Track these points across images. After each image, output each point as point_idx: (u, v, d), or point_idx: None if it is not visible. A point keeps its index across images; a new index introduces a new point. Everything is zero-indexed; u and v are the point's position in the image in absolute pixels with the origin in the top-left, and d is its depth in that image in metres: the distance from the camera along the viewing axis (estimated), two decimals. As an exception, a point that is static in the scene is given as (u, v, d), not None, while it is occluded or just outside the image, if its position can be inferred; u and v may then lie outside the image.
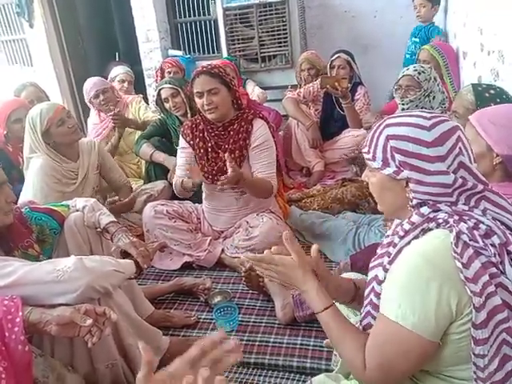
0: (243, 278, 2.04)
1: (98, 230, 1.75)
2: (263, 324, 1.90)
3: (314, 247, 1.16)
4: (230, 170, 2.04)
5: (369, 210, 2.63)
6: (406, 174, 0.95)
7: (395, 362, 0.93)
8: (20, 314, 1.19)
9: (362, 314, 1.08)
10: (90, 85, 3.22)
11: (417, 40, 3.71)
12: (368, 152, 1.02)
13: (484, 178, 0.97)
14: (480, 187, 0.94)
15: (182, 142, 2.41)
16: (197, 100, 2.22)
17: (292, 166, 3.49)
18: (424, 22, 3.66)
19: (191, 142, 2.35)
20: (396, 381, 0.96)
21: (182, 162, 2.40)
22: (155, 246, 1.75)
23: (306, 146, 3.33)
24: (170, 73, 3.70)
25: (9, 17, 5.38)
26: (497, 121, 0.95)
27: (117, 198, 2.75)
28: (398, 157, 0.95)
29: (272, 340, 1.80)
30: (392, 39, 4.40)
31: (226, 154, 2.09)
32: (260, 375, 1.65)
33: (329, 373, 1.29)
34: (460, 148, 0.94)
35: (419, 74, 2.44)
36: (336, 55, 3.30)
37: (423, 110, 1.01)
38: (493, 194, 0.95)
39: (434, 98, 2.45)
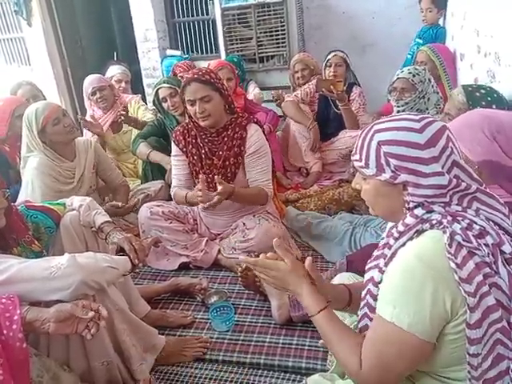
0: (239, 278, 2.04)
1: (93, 229, 1.75)
2: (259, 324, 1.91)
3: (308, 262, 1.12)
4: (219, 188, 2.01)
5: (365, 211, 2.63)
6: (403, 177, 0.95)
7: (391, 363, 0.93)
8: (18, 311, 1.20)
9: (359, 316, 1.08)
10: (88, 82, 3.25)
11: (420, 41, 3.71)
12: (359, 159, 1.01)
13: (477, 176, 0.98)
14: (473, 187, 0.94)
15: (174, 150, 2.35)
16: (189, 107, 2.16)
17: (289, 166, 3.48)
18: (429, 25, 3.69)
19: (184, 149, 2.31)
20: (392, 381, 0.96)
21: (177, 171, 2.35)
22: (149, 242, 1.75)
23: (305, 147, 3.32)
24: (182, 77, 3.65)
25: (7, 15, 5.36)
26: (457, 135, 0.97)
27: (119, 203, 2.51)
28: (392, 161, 0.95)
29: (268, 340, 1.80)
30: (390, 40, 4.41)
31: (216, 177, 2.06)
32: (256, 375, 1.65)
33: (324, 372, 1.29)
34: (451, 147, 0.94)
35: (414, 76, 2.45)
36: (332, 53, 3.29)
37: (410, 112, 1.01)
38: (484, 194, 0.96)
39: (428, 99, 2.46)
